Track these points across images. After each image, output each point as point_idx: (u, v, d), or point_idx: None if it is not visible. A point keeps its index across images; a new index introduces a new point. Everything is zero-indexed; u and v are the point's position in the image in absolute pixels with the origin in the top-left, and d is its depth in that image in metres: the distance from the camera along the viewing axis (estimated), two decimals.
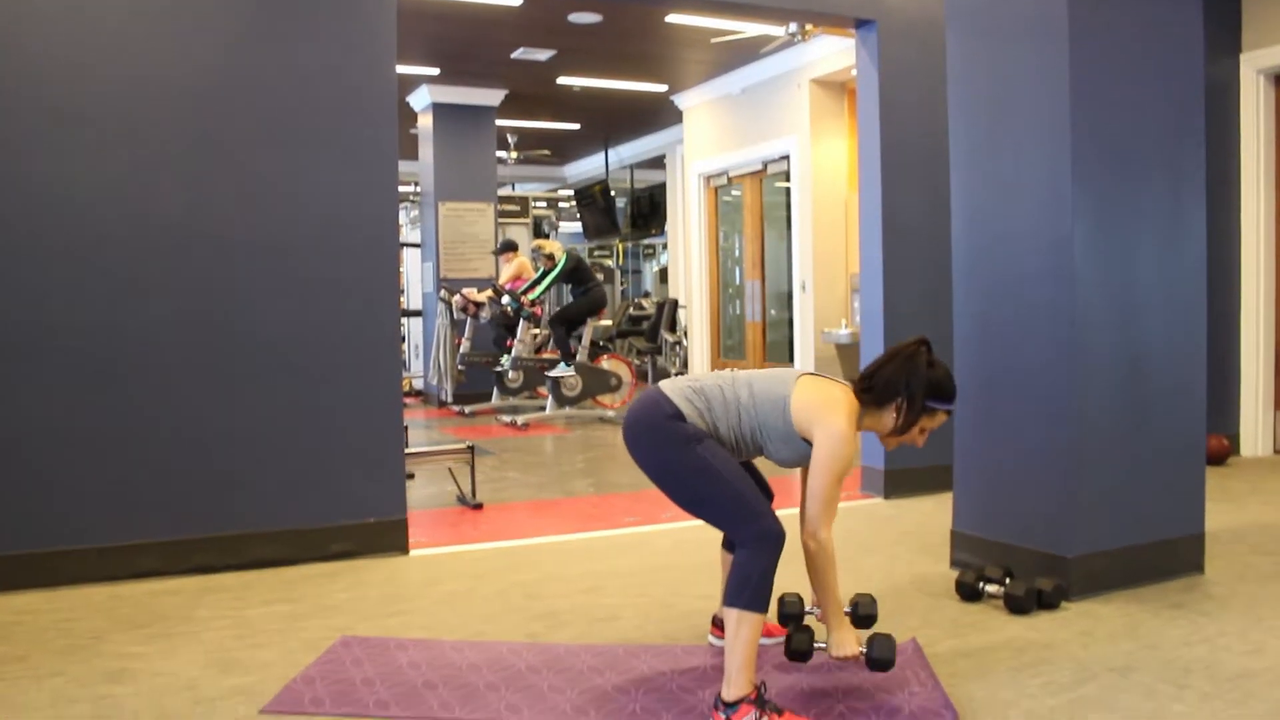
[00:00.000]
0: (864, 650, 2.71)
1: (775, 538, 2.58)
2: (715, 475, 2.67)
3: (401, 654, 3.12)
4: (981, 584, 3.60)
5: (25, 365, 3.90)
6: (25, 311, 3.90)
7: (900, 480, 5.52)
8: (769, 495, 3.02)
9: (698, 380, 2.85)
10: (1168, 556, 3.84)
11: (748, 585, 2.54)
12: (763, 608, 2.55)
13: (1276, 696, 2.71)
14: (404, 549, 4.42)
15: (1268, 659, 2.98)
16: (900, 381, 2.81)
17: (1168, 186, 3.83)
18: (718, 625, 3.16)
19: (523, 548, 4.55)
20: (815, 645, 2.79)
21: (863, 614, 3.02)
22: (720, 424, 2.78)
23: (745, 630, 2.53)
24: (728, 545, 3.07)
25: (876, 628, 3.03)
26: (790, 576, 3.76)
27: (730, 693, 2.52)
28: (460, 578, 4.05)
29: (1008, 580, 3.59)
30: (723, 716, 2.51)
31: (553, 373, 9.19)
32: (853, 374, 8.87)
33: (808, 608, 3.09)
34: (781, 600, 3.06)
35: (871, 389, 2.84)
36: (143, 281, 4.05)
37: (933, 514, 5.02)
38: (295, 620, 3.51)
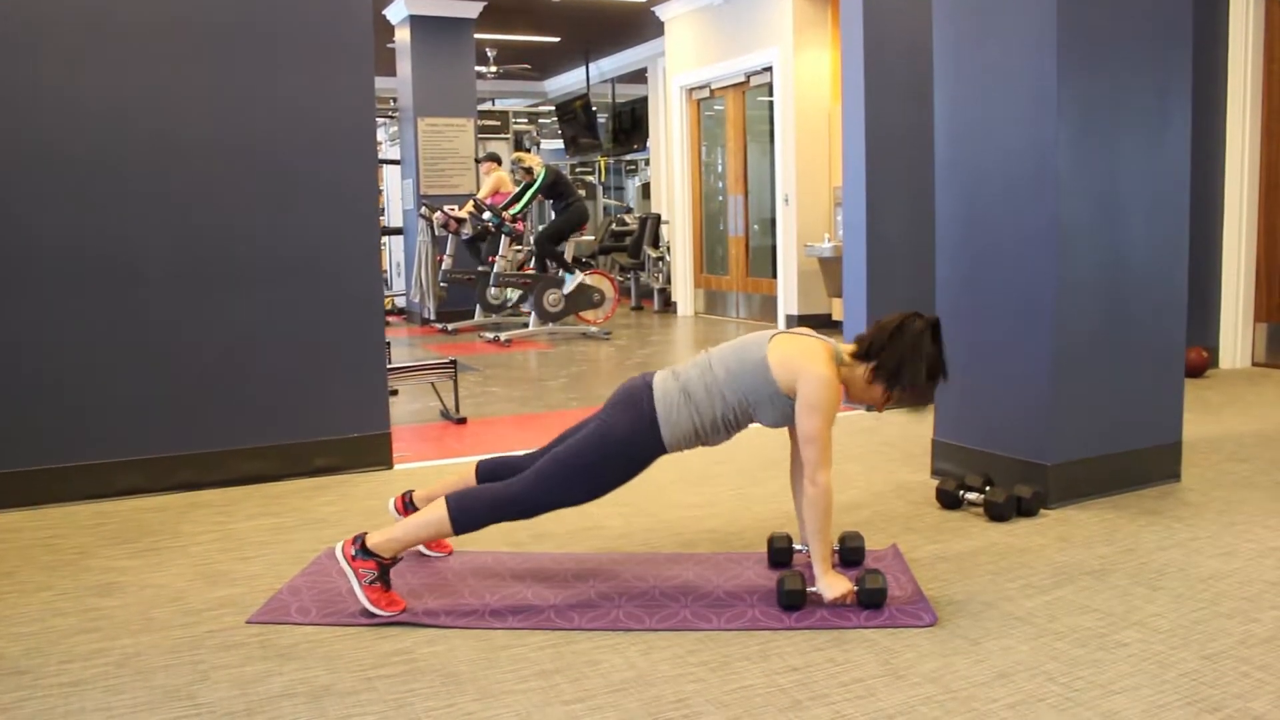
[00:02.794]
0: (856, 589, 2.74)
1: (529, 511, 2.78)
2: (601, 476, 2.79)
3: None
4: (962, 492, 3.65)
5: (3, 286, 3.85)
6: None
7: None
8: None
9: (682, 378, 2.83)
10: (1145, 465, 3.89)
11: (478, 516, 2.75)
12: (459, 530, 2.75)
13: (1245, 596, 2.77)
14: (388, 463, 4.44)
15: (1238, 561, 3.04)
16: (907, 369, 2.81)
17: (1153, 90, 3.79)
18: (406, 503, 3.23)
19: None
20: (808, 588, 2.77)
21: (850, 547, 3.06)
22: (707, 415, 2.80)
23: (434, 527, 2.74)
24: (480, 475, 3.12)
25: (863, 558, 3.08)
26: (779, 519, 3.80)
27: (375, 542, 2.73)
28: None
29: (987, 488, 3.63)
30: (352, 552, 2.72)
31: (567, 289, 9.17)
32: (835, 288, 8.85)
33: (796, 546, 3.11)
34: (770, 540, 3.09)
35: (873, 362, 2.83)
36: (118, 196, 3.99)
37: (914, 424, 5.07)
38: (281, 534, 3.53)
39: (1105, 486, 3.78)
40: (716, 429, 2.83)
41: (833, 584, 2.74)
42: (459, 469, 4.37)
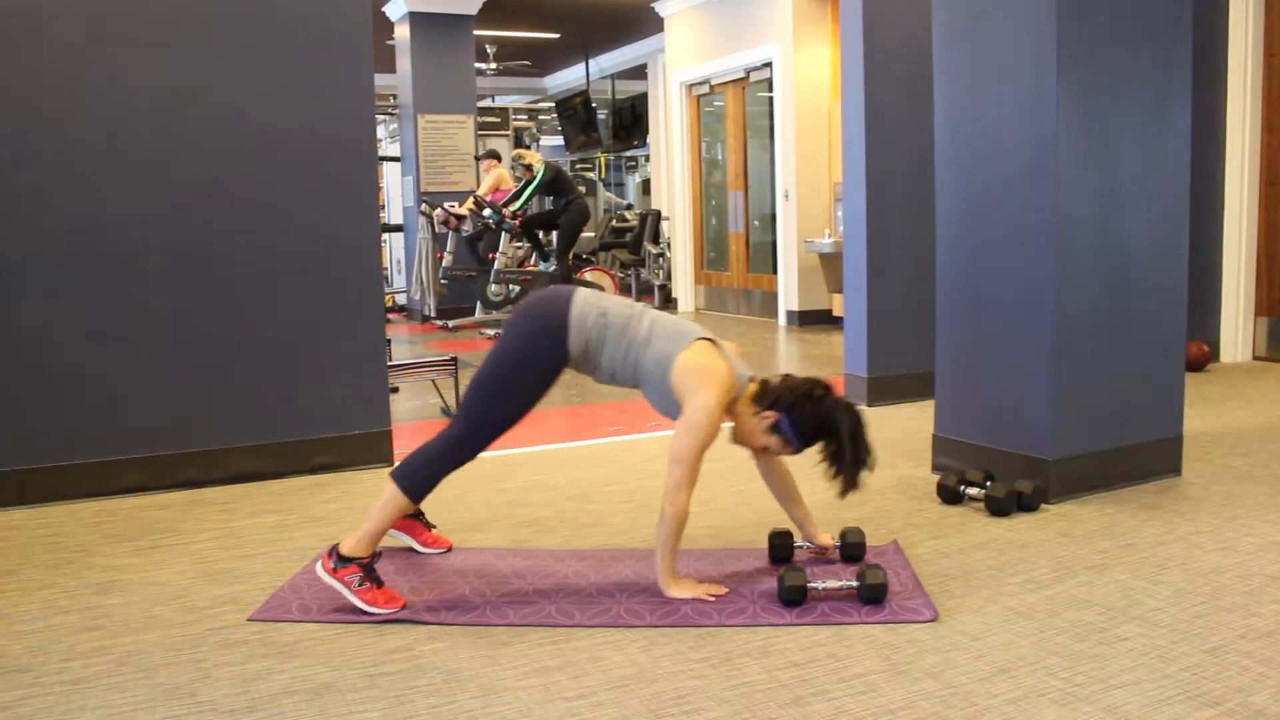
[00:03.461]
0: (856, 584, 2.74)
1: (466, 456, 2.80)
2: (514, 398, 2.78)
3: (387, 562, 3.15)
4: (962, 487, 3.65)
5: (4, 283, 3.85)
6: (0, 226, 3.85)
7: (884, 387, 5.55)
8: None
9: (607, 306, 2.83)
10: (1146, 459, 3.89)
11: (420, 473, 2.79)
12: (415, 496, 2.79)
13: (1246, 590, 2.77)
14: (389, 460, 4.44)
15: (1239, 555, 3.04)
16: (817, 435, 2.78)
17: (1153, 85, 3.79)
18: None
19: (508, 457, 4.57)
20: (809, 584, 2.76)
21: (851, 542, 3.06)
22: (605, 353, 2.81)
23: (390, 505, 2.76)
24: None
25: (859, 553, 3.09)
26: (779, 516, 3.79)
27: (347, 547, 2.74)
28: (446, 487, 4.02)
29: (988, 483, 3.63)
30: (331, 565, 2.74)
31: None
32: (835, 284, 8.84)
33: (797, 541, 3.11)
34: (771, 536, 3.09)
35: (778, 413, 2.79)
36: (120, 191, 3.99)
37: (915, 420, 5.06)
38: (282, 531, 3.53)
39: (1106, 481, 3.78)
40: (606, 368, 2.83)
41: (679, 588, 2.77)
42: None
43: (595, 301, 2.83)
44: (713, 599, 2.76)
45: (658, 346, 2.78)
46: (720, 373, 2.76)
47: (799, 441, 2.80)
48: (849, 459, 2.75)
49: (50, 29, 3.86)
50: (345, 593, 2.74)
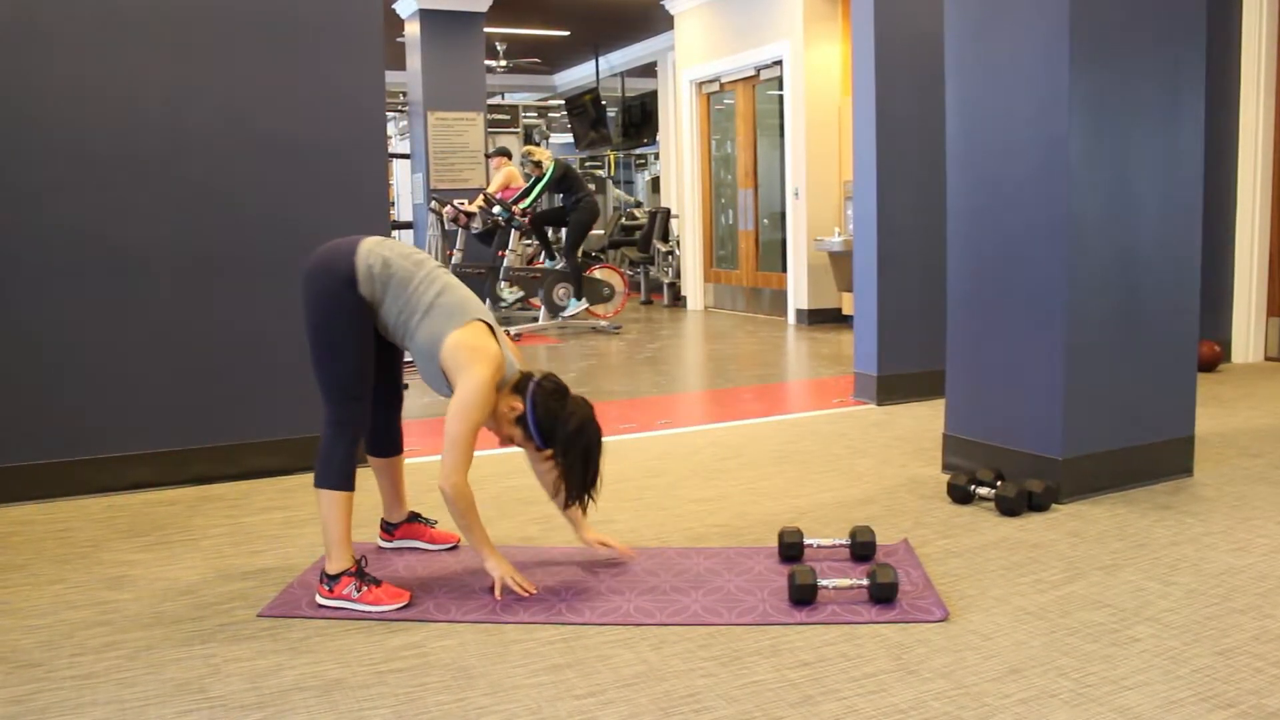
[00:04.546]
0: (867, 583, 2.73)
1: (350, 425, 2.80)
2: (341, 352, 2.78)
3: (397, 558, 3.16)
4: (973, 486, 3.64)
5: (15, 280, 3.86)
6: (7, 223, 3.85)
7: (893, 386, 5.54)
8: (395, 396, 3.18)
9: (394, 257, 2.83)
10: (1157, 459, 3.87)
11: (330, 466, 2.77)
12: (345, 486, 2.78)
13: (1259, 591, 2.75)
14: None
15: (1251, 556, 3.03)
16: (553, 437, 2.81)
17: (1166, 84, 3.77)
18: (386, 530, 3.28)
19: (518, 454, 4.54)
20: (819, 583, 2.76)
21: (861, 542, 3.05)
22: (388, 304, 2.81)
23: (333, 508, 2.76)
24: (373, 449, 3.17)
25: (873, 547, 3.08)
26: (789, 514, 3.79)
27: (332, 566, 2.77)
28: None
29: (999, 482, 3.62)
30: (326, 589, 2.77)
31: (569, 311, 9.18)
32: (845, 283, 8.80)
33: (808, 540, 3.10)
34: (781, 535, 3.08)
35: (530, 411, 2.82)
36: (132, 190, 4.00)
37: (925, 419, 5.05)
38: (292, 527, 3.54)
39: (1117, 481, 3.77)
40: (382, 320, 2.83)
41: (498, 561, 2.81)
42: (473, 461, 4.40)
43: (380, 250, 2.83)
44: (525, 594, 2.79)
45: (435, 319, 2.78)
46: (492, 352, 2.78)
47: (539, 438, 2.83)
48: (577, 478, 2.81)
49: (60, 26, 3.86)
50: (350, 605, 2.75)
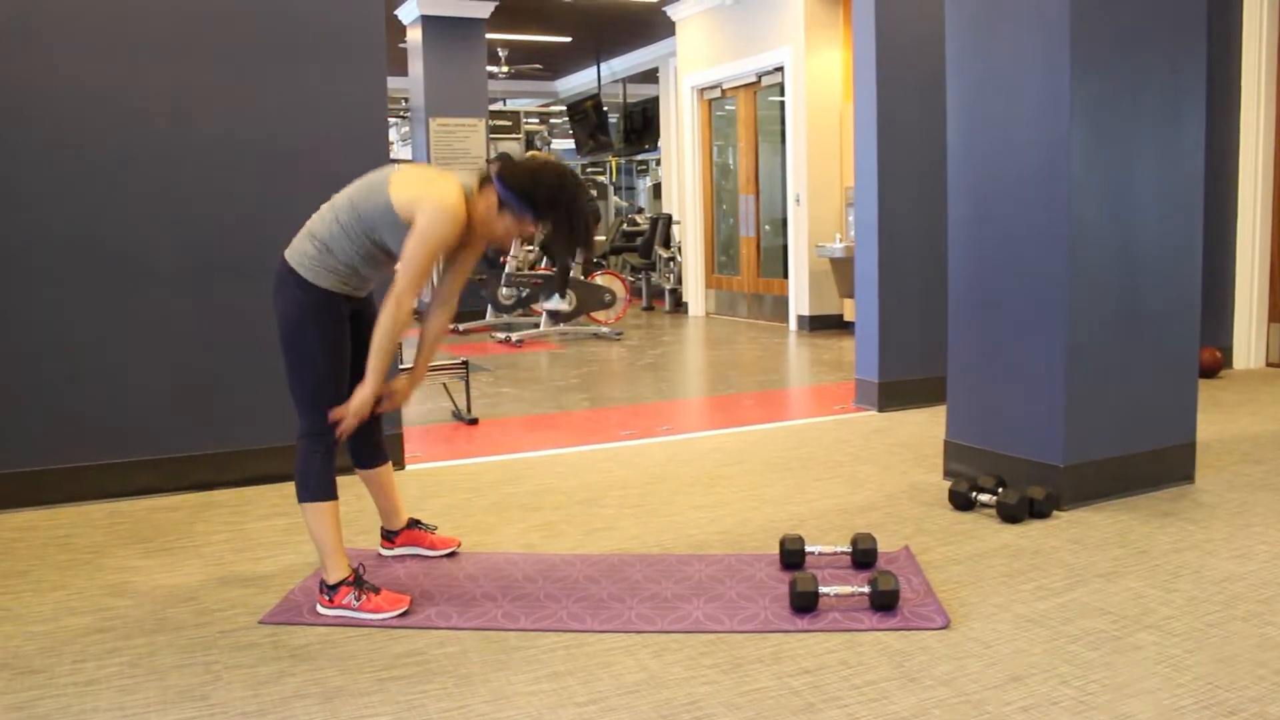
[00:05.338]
0: (868, 590, 2.73)
1: (323, 435, 2.81)
2: (309, 361, 2.79)
3: (399, 565, 3.16)
4: (974, 493, 3.64)
5: (19, 285, 3.87)
6: (8, 225, 3.86)
7: (894, 392, 5.54)
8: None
9: (315, 227, 2.81)
10: (1159, 466, 3.87)
11: (309, 479, 2.80)
12: (328, 495, 2.80)
13: (1261, 598, 2.75)
14: (400, 463, 4.44)
15: (1254, 563, 3.02)
16: (535, 189, 2.76)
17: (1167, 88, 3.78)
18: (386, 538, 3.28)
19: (519, 461, 4.57)
20: (820, 590, 2.75)
21: (862, 549, 3.04)
22: (347, 259, 2.79)
23: (319, 520, 2.78)
24: (358, 462, 3.16)
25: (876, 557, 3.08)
26: (790, 521, 3.79)
27: (330, 576, 2.77)
28: (457, 491, 4.08)
29: (1000, 489, 3.62)
30: (326, 599, 2.77)
31: (548, 305, 9.16)
32: (847, 289, 8.80)
33: (809, 548, 3.10)
34: (782, 542, 3.08)
35: (500, 184, 2.76)
36: (135, 195, 4.00)
37: (926, 425, 5.05)
38: (293, 534, 3.54)
39: (1119, 488, 3.77)
40: (351, 265, 2.80)
41: (365, 392, 2.78)
42: (470, 470, 4.41)
43: (300, 240, 2.82)
44: (347, 427, 2.80)
45: (371, 209, 2.74)
46: (437, 174, 2.76)
47: (523, 204, 2.76)
48: (566, 229, 2.78)
49: (62, 30, 3.87)
50: (350, 614, 2.75)
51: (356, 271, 2.82)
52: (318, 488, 2.79)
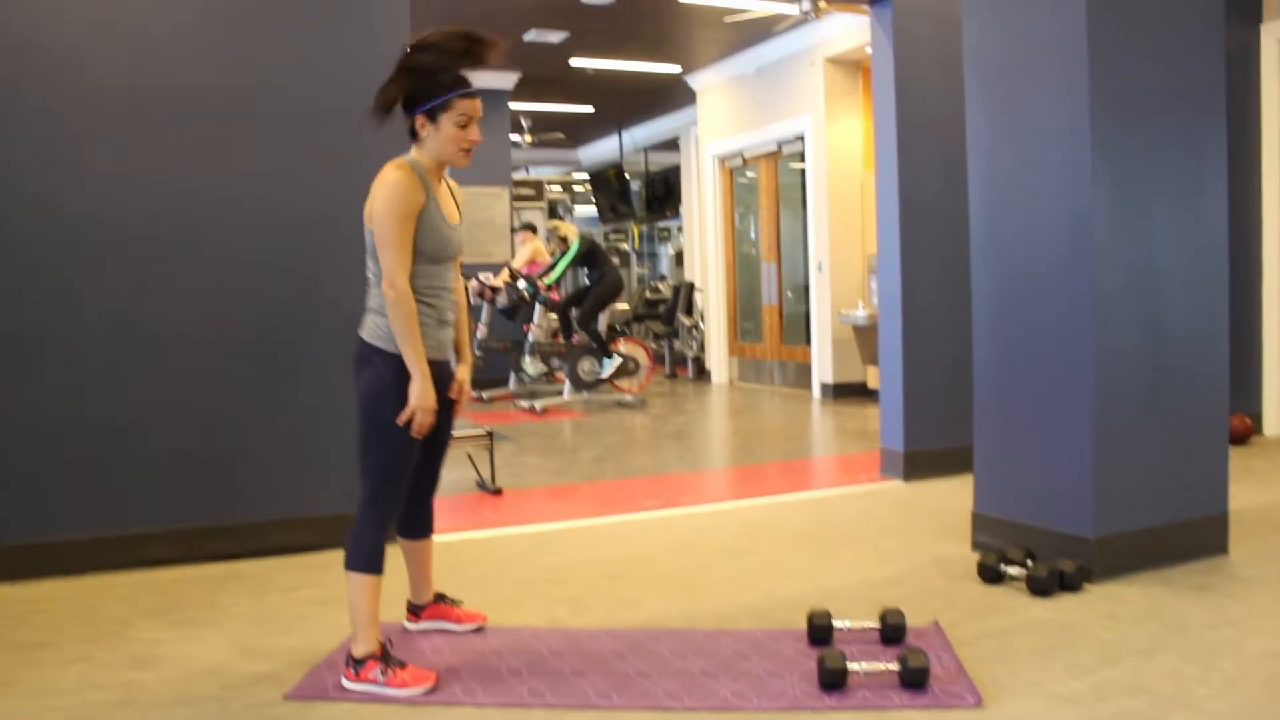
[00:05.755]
0: (897, 667, 2.69)
1: (384, 507, 2.82)
2: (384, 431, 2.78)
3: (424, 640, 3.14)
4: (1003, 566, 3.59)
5: (44, 355, 3.91)
6: (39, 301, 3.91)
7: (920, 462, 5.50)
8: (431, 480, 3.12)
9: (370, 300, 2.85)
10: (1191, 537, 3.81)
11: (360, 549, 2.79)
12: (375, 569, 2.79)
13: None
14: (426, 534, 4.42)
15: None
16: (396, 93, 2.77)
17: (1189, 158, 3.79)
18: (412, 611, 3.25)
19: (544, 533, 4.55)
20: (849, 667, 2.71)
21: (891, 624, 3.01)
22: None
23: (361, 591, 2.77)
24: (404, 531, 3.15)
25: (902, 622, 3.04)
26: (818, 594, 3.76)
27: (358, 650, 2.76)
28: (482, 562, 4.06)
29: (1029, 562, 3.57)
30: (352, 671, 2.75)
31: (605, 373, 9.18)
32: (870, 356, 8.78)
33: (837, 623, 3.06)
34: (810, 617, 3.04)
35: (423, 79, 2.76)
36: (158, 269, 4.06)
37: (953, 495, 5.01)
38: (318, 606, 3.52)
39: (1151, 560, 3.71)
40: (427, 312, 2.85)
41: (419, 391, 2.75)
42: (495, 541, 4.39)
43: (366, 317, 2.86)
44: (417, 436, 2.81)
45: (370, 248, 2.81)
46: (380, 172, 2.79)
47: (427, 89, 2.76)
48: (441, 50, 2.76)
49: (101, 109, 3.96)
50: (376, 690, 2.73)
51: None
52: (367, 559, 2.79)
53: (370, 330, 2.84)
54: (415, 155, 2.85)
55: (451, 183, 3.03)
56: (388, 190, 2.73)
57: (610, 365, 9.18)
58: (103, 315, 3.98)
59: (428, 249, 2.82)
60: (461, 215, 3.01)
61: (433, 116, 2.79)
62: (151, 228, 4.04)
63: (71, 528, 3.94)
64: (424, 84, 2.77)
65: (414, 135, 2.84)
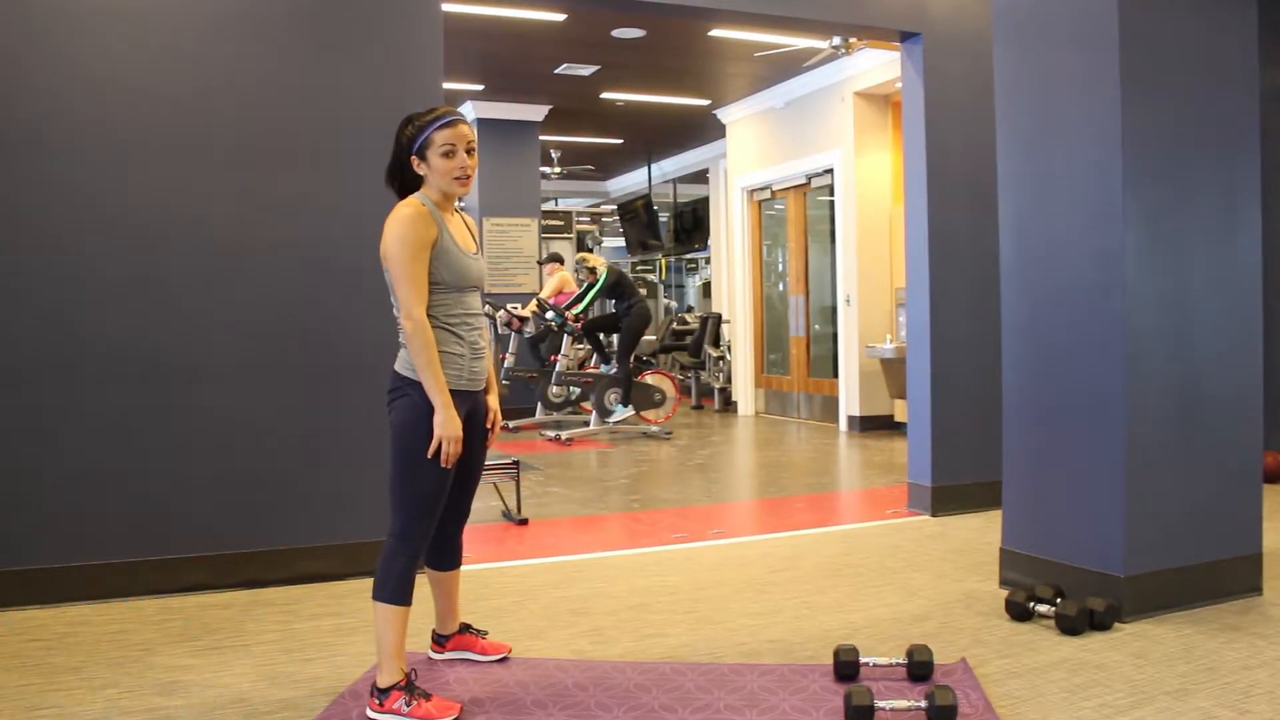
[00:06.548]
0: (925, 705, 2.66)
1: (416, 539, 2.84)
2: (417, 463, 2.81)
3: (448, 670, 3.13)
4: (1032, 603, 3.55)
5: (72, 383, 3.96)
6: (70, 328, 3.97)
7: (948, 497, 5.46)
8: (462, 512, 3.15)
9: (401, 336, 2.87)
10: (1224, 576, 3.76)
11: (389, 579, 2.80)
12: (403, 600, 2.81)
13: None
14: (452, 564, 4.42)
15: None
16: (394, 159, 2.93)
17: (1221, 196, 3.77)
18: (437, 641, 3.25)
19: (569, 564, 4.55)
20: (876, 704, 2.69)
21: (918, 661, 2.98)
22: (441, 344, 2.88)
23: (389, 622, 2.79)
24: (432, 562, 3.16)
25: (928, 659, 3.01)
26: (844, 630, 3.74)
27: (383, 680, 2.77)
28: (507, 593, 4.05)
29: (1059, 600, 3.54)
30: (376, 702, 2.76)
31: (616, 418, 9.20)
32: (898, 389, 8.75)
33: (863, 658, 3.04)
34: (836, 652, 3.02)
35: (401, 183, 2.94)
36: (193, 298, 4.11)
37: (981, 531, 4.97)
38: (344, 635, 3.53)
39: (1182, 599, 3.66)
40: (458, 343, 2.90)
41: (444, 421, 2.78)
42: (520, 572, 4.39)
43: (401, 353, 2.88)
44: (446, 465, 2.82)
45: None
46: (394, 210, 2.86)
47: (401, 151, 2.90)
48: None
49: (128, 147, 4.02)
50: None
51: (446, 349, 2.87)
52: (396, 591, 2.80)
53: (403, 363, 2.87)
54: (424, 192, 2.94)
55: (466, 216, 3.09)
56: (398, 226, 2.81)
57: (622, 413, 9.19)
58: (128, 343, 4.02)
59: (447, 278, 2.87)
60: (479, 246, 3.05)
61: (422, 155, 2.89)
62: (189, 259, 4.10)
63: (102, 552, 3.96)
64: (409, 136, 2.91)
65: (418, 179, 2.93)
